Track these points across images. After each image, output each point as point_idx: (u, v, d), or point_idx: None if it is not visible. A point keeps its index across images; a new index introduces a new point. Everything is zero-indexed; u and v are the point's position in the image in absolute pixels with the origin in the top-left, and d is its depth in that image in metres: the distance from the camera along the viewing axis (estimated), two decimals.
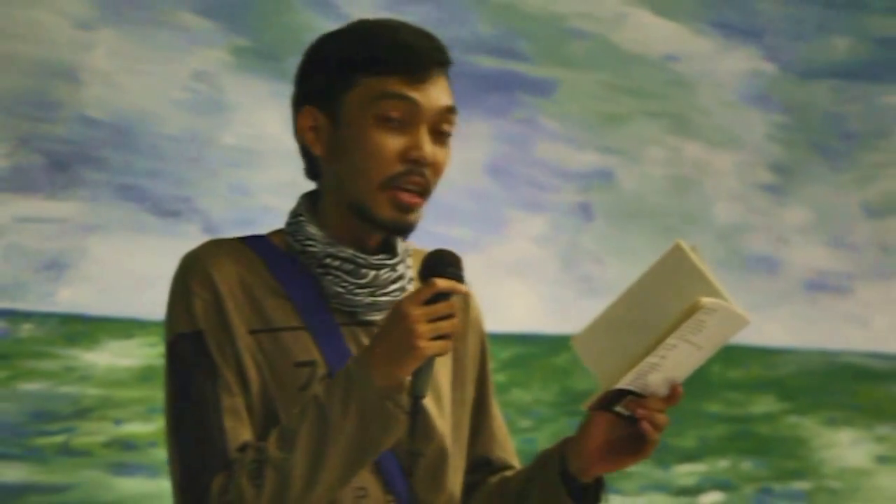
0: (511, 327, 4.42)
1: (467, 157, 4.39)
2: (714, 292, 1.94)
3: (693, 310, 1.91)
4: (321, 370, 2.02)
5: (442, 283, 1.92)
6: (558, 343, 4.50)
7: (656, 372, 1.96)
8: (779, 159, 4.88)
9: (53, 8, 3.82)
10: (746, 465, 4.73)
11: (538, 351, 4.55)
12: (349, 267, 2.04)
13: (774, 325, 4.81)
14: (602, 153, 4.63)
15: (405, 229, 2.05)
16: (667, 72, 4.72)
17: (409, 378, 1.94)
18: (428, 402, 2.06)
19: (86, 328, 3.87)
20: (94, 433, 3.83)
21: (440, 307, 1.92)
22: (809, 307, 4.88)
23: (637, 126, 4.67)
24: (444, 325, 1.92)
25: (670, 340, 1.93)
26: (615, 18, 4.65)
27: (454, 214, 4.35)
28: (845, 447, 4.86)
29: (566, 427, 4.43)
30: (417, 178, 2.01)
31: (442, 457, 2.10)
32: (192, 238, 2.20)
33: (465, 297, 2.16)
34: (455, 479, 2.14)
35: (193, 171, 3.95)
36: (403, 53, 2.02)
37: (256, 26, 4.08)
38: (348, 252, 2.05)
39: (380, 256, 2.07)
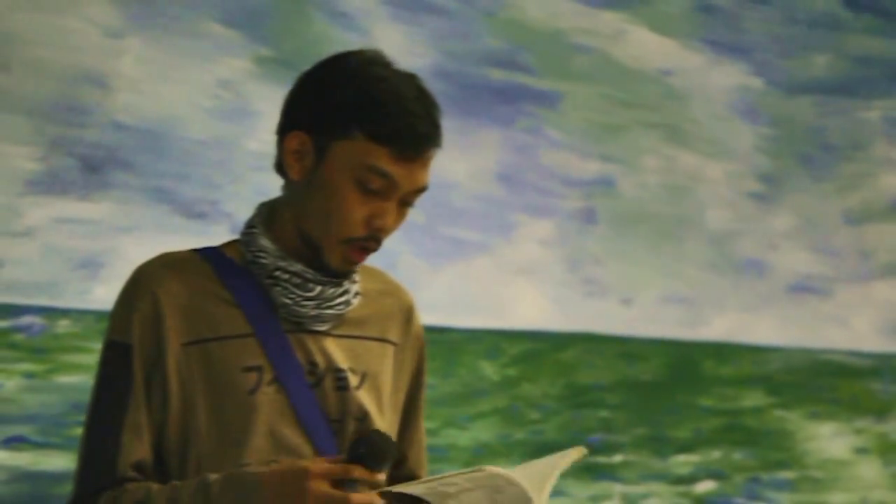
0: (519, 324, 4.49)
1: (477, 165, 4.42)
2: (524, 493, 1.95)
3: (489, 474, 1.95)
4: (268, 374, 2.08)
5: (357, 499, 1.91)
6: (564, 340, 4.55)
7: (452, 500, 1.97)
8: (766, 169, 4.91)
9: (84, 17, 3.81)
10: (737, 455, 4.76)
11: (545, 347, 4.57)
12: (297, 280, 2.10)
13: (762, 324, 4.84)
14: (603, 161, 4.63)
15: (345, 276, 2.12)
16: (662, 85, 4.74)
17: None
18: (370, 402, 2.15)
19: None
20: None
21: (337, 496, 1.92)
22: (794, 308, 4.90)
23: (635, 136, 4.69)
24: None
25: (465, 480, 1.95)
26: (615, 35, 4.68)
27: (465, 218, 4.41)
28: (827, 439, 4.91)
29: (571, 419, 4.46)
30: (372, 245, 2.08)
31: None
32: (219, 239, 2.18)
33: (408, 312, 2.24)
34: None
35: (220, 174, 3.94)
36: (404, 132, 2.03)
37: (278, 37, 4.07)
38: (297, 266, 2.10)
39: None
